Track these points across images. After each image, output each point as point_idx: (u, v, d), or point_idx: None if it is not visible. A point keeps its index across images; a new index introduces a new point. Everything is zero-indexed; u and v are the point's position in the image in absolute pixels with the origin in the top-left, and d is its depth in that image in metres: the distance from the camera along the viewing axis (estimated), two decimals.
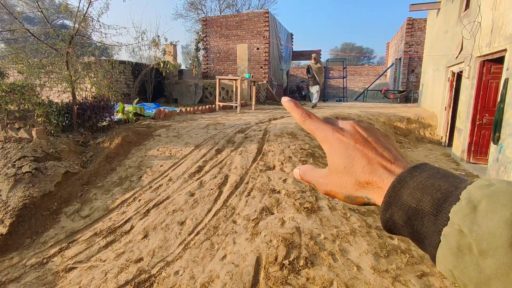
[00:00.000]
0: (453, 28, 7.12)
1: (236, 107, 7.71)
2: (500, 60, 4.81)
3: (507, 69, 4.19)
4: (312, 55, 9.77)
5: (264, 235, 2.46)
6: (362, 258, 2.28)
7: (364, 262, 2.24)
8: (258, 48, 12.03)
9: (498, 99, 4.41)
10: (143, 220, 2.88)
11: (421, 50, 12.93)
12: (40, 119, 4.62)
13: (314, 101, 10.09)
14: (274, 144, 4.12)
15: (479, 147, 5.49)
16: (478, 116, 5.40)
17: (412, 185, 0.29)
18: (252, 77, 9.19)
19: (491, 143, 4.60)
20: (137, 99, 6.70)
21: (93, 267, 2.38)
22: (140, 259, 2.40)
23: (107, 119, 5.18)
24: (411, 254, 2.42)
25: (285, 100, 0.42)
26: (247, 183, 3.27)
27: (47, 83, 4.96)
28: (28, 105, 4.69)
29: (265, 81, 11.85)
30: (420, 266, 2.31)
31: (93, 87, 5.61)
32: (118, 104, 5.69)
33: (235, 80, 8.13)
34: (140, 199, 3.23)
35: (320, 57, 17.18)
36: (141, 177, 3.65)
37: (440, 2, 8.79)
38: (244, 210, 2.83)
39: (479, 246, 0.23)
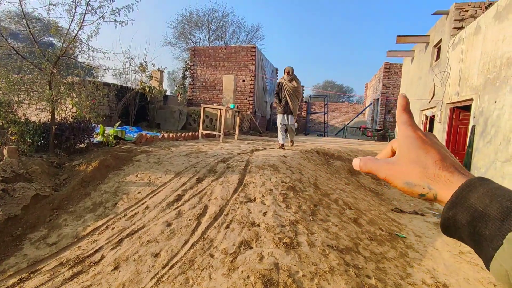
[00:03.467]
0: (426, 76, 7.69)
1: (219, 136, 7.75)
2: (467, 108, 5.20)
3: (474, 117, 4.53)
4: (286, 67, 6.37)
5: (242, 271, 2.39)
6: None
7: None
8: (244, 80, 12.38)
9: (467, 144, 4.72)
10: (115, 250, 2.73)
11: (397, 92, 13.77)
12: (13, 138, 4.43)
13: (283, 139, 6.67)
14: (256, 176, 4.13)
15: None
16: None
17: (482, 191, 0.32)
18: (237, 107, 9.37)
19: None
20: (119, 122, 6.60)
21: None
22: None
23: (86, 141, 5.05)
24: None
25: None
26: (227, 214, 3.22)
27: (26, 100, 4.83)
28: (2, 122, 4.51)
29: (249, 112, 12.08)
30: None
31: (74, 107, 5.50)
32: (99, 126, 5.59)
33: (220, 109, 8.24)
34: (114, 227, 3.08)
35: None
36: (116, 203, 3.52)
37: (414, 51, 9.55)
38: (222, 243, 2.76)
39: None
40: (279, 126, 6.86)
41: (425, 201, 0.43)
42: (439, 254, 3.53)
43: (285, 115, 6.63)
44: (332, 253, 2.77)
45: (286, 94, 6.47)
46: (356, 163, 0.45)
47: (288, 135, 7.09)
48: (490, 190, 0.32)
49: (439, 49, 7.02)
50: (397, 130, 0.44)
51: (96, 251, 2.75)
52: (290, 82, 6.42)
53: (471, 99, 4.66)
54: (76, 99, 5.22)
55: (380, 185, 6.96)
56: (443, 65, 6.10)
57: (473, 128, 4.44)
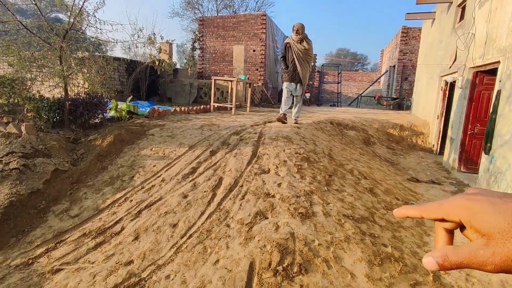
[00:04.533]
0: (447, 38, 7.23)
1: (230, 108, 7.67)
2: (493, 72, 4.89)
3: (500, 81, 4.26)
4: (294, 24, 5.25)
5: (258, 240, 2.42)
6: (356, 265, 2.27)
7: (358, 270, 2.23)
8: (254, 50, 12.03)
9: (490, 110, 4.48)
10: (134, 222, 2.82)
11: (415, 58, 13.12)
12: (30, 114, 4.50)
13: (295, 114, 5.78)
14: (269, 148, 4.10)
15: (470, 157, 5.57)
16: (470, 126, 5.49)
17: None
18: (248, 79, 9.18)
19: (482, 153, 4.67)
20: (131, 97, 6.59)
21: (81, 269, 2.31)
22: (130, 262, 2.34)
23: (99, 116, 5.09)
24: (405, 263, 2.42)
25: (397, 212, 0.40)
26: (242, 186, 3.24)
27: (39, 77, 4.84)
28: (18, 99, 4.57)
29: (260, 83, 11.85)
30: (414, 275, 2.30)
31: (86, 83, 5.50)
32: (111, 101, 5.60)
33: (231, 81, 8.09)
34: (132, 200, 3.16)
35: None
36: (133, 177, 3.58)
37: (435, 12, 8.93)
38: (238, 213, 2.80)
39: None
40: (284, 92, 5.59)
41: None
42: None
43: (292, 84, 5.50)
44: (347, 222, 2.77)
45: (295, 58, 5.30)
46: (430, 262, 0.33)
47: (293, 110, 5.78)
48: None
49: (463, 8, 6.53)
50: (441, 212, 0.35)
51: (116, 222, 2.84)
52: (300, 43, 5.25)
53: (498, 62, 4.36)
54: (88, 75, 5.19)
55: (395, 155, 6.84)
56: (468, 26, 5.69)
57: (499, 93, 4.19)
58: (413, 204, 3.71)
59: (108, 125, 4.98)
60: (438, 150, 7.16)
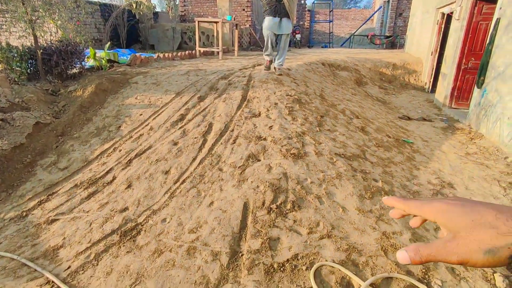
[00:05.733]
0: None
1: (217, 53, 7.27)
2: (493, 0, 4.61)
3: (500, 8, 4.03)
4: None
5: (251, 182, 2.43)
6: (347, 200, 2.33)
7: (349, 204, 2.29)
8: None
9: (487, 41, 4.31)
10: (125, 171, 2.78)
11: None
12: (0, 66, 4.17)
13: (278, 59, 4.52)
14: (259, 91, 3.95)
15: (461, 92, 5.53)
16: (464, 60, 5.34)
17: None
18: (234, 19, 8.58)
19: (474, 87, 4.61)
20: (109, 42, 6.14)
21: (76, 218, 2.32)
22: (125, 209, 2.36)
23: (77, 65, 4.76)
24: (394, 195, 2.49)
25: (385, 199, 0.46)
26: (232, 130, 3.17)
27: (4, 25, 4.39)
28: None
29: (248, 25, 11.14)
30: None
31: (59, 30, 5.04)
32: (89, 49, 5.21)
33: (216, 22, 7.55)
34: (121, 149, 3.09)
35: None
36: (120, 126, 3.47)
37: None
38: (230, 157, 2.77)
39: None
40: (266, 34, 4.38)
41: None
42: (445, 156, 3.56)
43: (275, 20, 4.22)
44: (339, 160, 2.78)
45: None
46: (403, 256, 0.37)
47: (278, 53, 4.52)
48: None
49: None
50: (421, 212, 0.40)
51: (107, 172, 2.81)
52: None
53: None
54: (59, 22, 4.72)
55: (387, 94, 6.76)
56: None
57: (498, 21, 3.98)
58: (407, 140, 3.73)
59: (88, 74, 4.69)
60: (430, 88, 7.08)
